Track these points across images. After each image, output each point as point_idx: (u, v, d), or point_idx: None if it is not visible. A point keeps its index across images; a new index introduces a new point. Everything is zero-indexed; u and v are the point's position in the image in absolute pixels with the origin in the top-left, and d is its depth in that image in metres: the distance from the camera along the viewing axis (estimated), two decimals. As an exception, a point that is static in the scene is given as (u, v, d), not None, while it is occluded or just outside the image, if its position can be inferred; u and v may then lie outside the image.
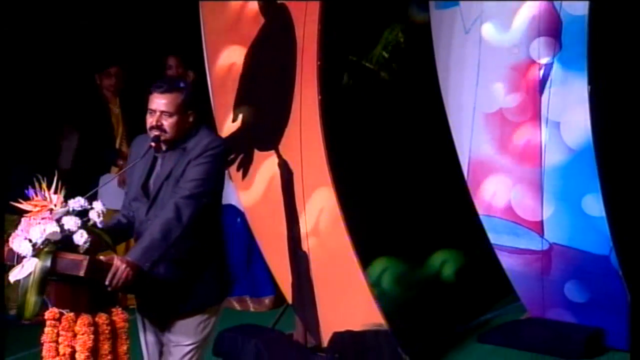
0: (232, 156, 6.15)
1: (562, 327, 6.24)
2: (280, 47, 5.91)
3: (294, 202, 5.98)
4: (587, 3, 5.87)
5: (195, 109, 4.02)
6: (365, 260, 5.99)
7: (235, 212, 6.69)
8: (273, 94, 5.99)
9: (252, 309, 7.15)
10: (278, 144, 6.00)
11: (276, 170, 6.03)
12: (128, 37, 7.61)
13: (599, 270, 6.05)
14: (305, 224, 5.95)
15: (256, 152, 6.14)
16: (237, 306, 7.15)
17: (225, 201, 6.42)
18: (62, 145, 7.05)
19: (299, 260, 6.00)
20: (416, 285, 7.30)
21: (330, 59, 5.89)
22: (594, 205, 6.00)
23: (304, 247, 5.96)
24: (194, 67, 6.52)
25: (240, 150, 6.18)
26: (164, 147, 3.97)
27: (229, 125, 6.17)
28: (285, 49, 5.87)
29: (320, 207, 5.88)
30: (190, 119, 3.99)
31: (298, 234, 5.98)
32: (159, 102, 3.95)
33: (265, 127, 6.10)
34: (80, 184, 4.05)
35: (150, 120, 3.97)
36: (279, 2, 5.92)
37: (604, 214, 5.95)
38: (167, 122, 3.94)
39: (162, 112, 3.94)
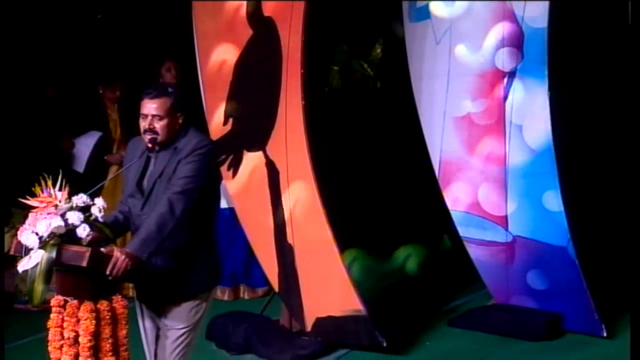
0: (223, 157, 6.15)
1: (524, 312, 6.25)
2: (267, 57, 5.88)
3: (280, 199, 5.96)
4: (546, 17, 5.86)
5: (184, 112, 4.01)
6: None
7: (226, 209, 6.66)
8: (261, 99, 5.96)
9: (246, 298, 7.10)
10: (265, 145, 5.97)
11: (264, 170, 6.01)
12: (130, 53, 7.61)
13: (558, 260, 6.06)
14: (290, 219, 5.93)
15: (245, 153, 6.11)
16: (232, 296, 7.11)
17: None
18: (76, 149, 7.06)
19: (284, 252, 5.99)
20: (386, 276, 7.32)
21: (313, 68, 5.87)
22: (553, 201, 6.00)
23: (289, 240, 5.95)
24: (187, 71, 6.47)
25: (230, 151, 6.15)
26: (156, 148, 3.96)
27: (220, 128, 6.14)
28: (271, 58, 5.84)
29: (304, 203, 5.86)
30: (180, 121, 3.98)
31: (284, 228, 5.96)
32: (150, 106, 3.94)
33: (253, 130, 6.06)
34: (92, 185, 4.04)
35: (143, 124, 3.96)
36: (265, 15, 5.89)
37: (562, 209, 5.96)
38: (158, 125, 3.93)
39: (153, 115, 3.93)
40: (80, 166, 6.94)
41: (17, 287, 6.58)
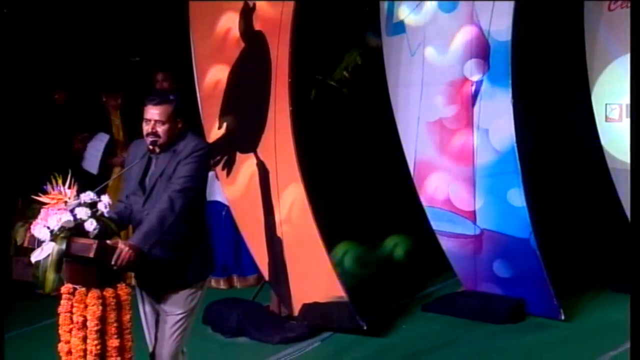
0: (217, 158, 6.15)
1: (490, 298, 6.26)
2: (258, 67, 5.88)
3: (269, 196, 5.96)
4: (510, 31, 5.86)
5: (183, 117, 4.01)
6: (330, 244, 6.00)
7: (220, 207, 6.66)
8: (252, 105, 5.96)
9: (238, 286, 7.07)
10: (256, 148, 5.97)
11: (255, 169, 6.01)
12: (131, 64, 7.60)
13: (521, 251, 6.06)
14: (279, 214, 5.94)
15: (238, 155, 6.11)
16: (226, 285, 7.10)
17: (212, 197, 6.49)
18: (87, 152, 7.07)
19: (274, 244, 5.99)
20: (372, 265, 7.33)
21: (299, 77, 5.87)
22: (517, 198, 6.00)
23: (279, 233, 5.95)
24: (185, 82, 6.47)
25: (224, 153, 6.16)
26: (157, 150, 3.97)
27: (215, 132, 6.14)
28: (262, 68, 5.84)
29: (292, 199, 5.86)
30: (179, 126, 3.98)
31: (273, 222, 5.96)
32: (153, 112, 3.94)
33: (245, 134, 6.06)
34: (98, 184, 4.05)
35: (146, 128, 3.95)
36: (256, 29, 5.90)
37: (524, 204, 5.96)
38: (160, 129, 3.93)
39: (155, 120, 3.93)
40: (93, 168, 6.94)
41: (34, 274, 6.56)
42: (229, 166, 6.16)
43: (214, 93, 6.13)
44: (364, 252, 7.36)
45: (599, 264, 6.96)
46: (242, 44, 5.99)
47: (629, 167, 6.69)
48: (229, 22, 6.02)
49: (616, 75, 6.64)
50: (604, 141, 6.75)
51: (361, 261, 7.26)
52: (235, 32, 6.02)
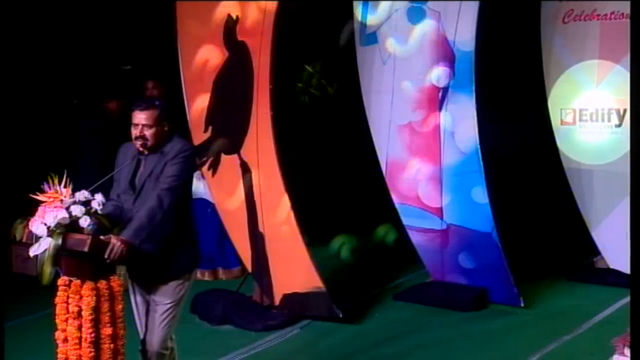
0: (204, 159, 6.14)
1: (456, 288, 6.27)
2: (241, 75, 5.85)
3: (252, 194, 5.93)
4: (473, 42, 5.88)
5: (170, 121, 3.99)
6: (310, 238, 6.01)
7: (206, 204, 6.64)
8: (236, 110, 5.93)
9: (223, 278, 7.01)
10: (240, 149, 5.95)
11: (238, 170, 5.98)
12: (124, 72, 7.57)
13: (484, 244, 6.08)
14: (261, 211, 5.92)
15: (223, 156, 6.08)
16: (212, 276, 7.06)
17: (198, 195, 6.47)
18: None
19: (256, 239, 5.97)
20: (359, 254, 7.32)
21: (279, 84, 5.85)
22: (480, 195, 6.02)
23: (260, 228, 5.94)
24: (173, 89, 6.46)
25: (210, 154, 6.13)
26: (146, 152, 3.94)
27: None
28: (244, 76, 5.82)
29: (273, 197, 5.84)
30: (166, 129, 3.95)
31: (256, 219, 5.94)
32: (140, 117, 3.91)
33: (229, 136, 6.04)
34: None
35: (135, 132, 3.93)
36: (239, 39, 5.87)
37: (487, 201, 5.98)
38: (148, 133, 3.90)
39: (143, 124, 3.90)
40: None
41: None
42: (214, 166, 6.13)
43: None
44: (358, 243, 7.35)
45: (555, 255, 7.03)
46: (226, 53, 5.96)
47: (581, 167, 6.82)
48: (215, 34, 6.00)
49: (570, 82, 6.73)
50: (559, 143, 6.83)
51: (354, 251, 7.27)
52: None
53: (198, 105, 6.07)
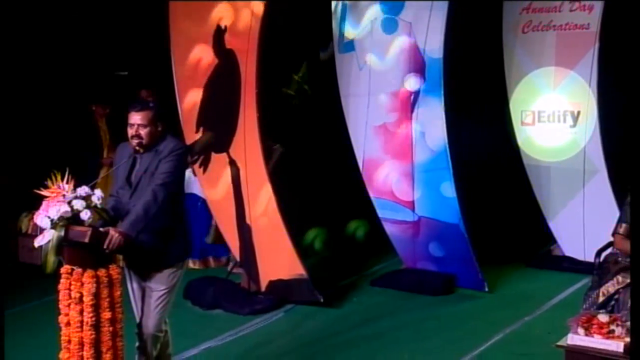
0: (195, 157, 6.13)
1: (427, 274, 6.29)
2: (230, 79, 5.84)
3: (240, 189, 5.93)
4: (442, 50, 5.91)
5: (163, 121, 3.98)
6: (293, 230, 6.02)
7: (196, 198, 6.63)
8: (225, 112, 5.92)
9: (213, 266, 6.99)
10: (229, 148, 5.94)
11: (227, 167, 5.98)
12: (117, 79, 7.53)
13: (452, 234, 6.11)
14: (248, 205, 5.92)
15: (213, 154, 6.08)
16: (202, 265, 7.05)
17: (189, 191, 6.46)
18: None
19: (244, 230, 5.97)
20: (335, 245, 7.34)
21: (265, 88, 5.85)
22: (448, 189, 6.05)
23: (248, 221, 5.94)
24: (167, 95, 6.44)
25: (201, 153, 6.11)
26: (141, 150, 3.93)
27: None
28: (233, 81, 5.81)
29: (259, 192, 5.85)
30: (159, 129, 3.94)
31: (243, 212, 5.93)
32: (136, 117, 3.89)
33: (219, 136, 6.02)
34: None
35: (131, 132, 3.91)
36: (228, 47, 5.85)
37: (455, 195, 6.01)
38: (143, 132, 3.89)
39: (138, 124, 3.88)
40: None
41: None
42: (205, 164, 6.13)
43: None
44: (331, 235, 7.33)
45: (515, 244, 7.07)
46: (216, 61, 5.95)
47: (540, 164, 6.88)
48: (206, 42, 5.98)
49: (529, 87, 6.79)
50: (519, 142, 6.88)
51: (328, 243, 7.25)
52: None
53: (189, 100, 6.02)
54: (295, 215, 5.96)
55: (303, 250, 6.82)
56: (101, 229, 3.68)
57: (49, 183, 3.70)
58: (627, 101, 7.11)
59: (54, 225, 3.60)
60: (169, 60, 6.05)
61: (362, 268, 6.85)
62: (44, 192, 3.70)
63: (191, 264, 6.71)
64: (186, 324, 5.33)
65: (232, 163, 5.96)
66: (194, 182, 6.50)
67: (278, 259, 5.90)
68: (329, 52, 6.77)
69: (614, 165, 6.41)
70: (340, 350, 5.06)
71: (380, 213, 6.55)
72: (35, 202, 3.71)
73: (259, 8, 5.63)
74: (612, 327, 3.85)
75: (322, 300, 5.76)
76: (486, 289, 6.08)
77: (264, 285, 5.97)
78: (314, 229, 7.36)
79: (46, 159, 6.24)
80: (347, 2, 6.40)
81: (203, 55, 5.93)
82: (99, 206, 3.76)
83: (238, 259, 6.14)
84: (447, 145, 5.98)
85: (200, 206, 6.59)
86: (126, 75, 7.64)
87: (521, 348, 4.97)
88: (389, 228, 6.54)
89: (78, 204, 3.65)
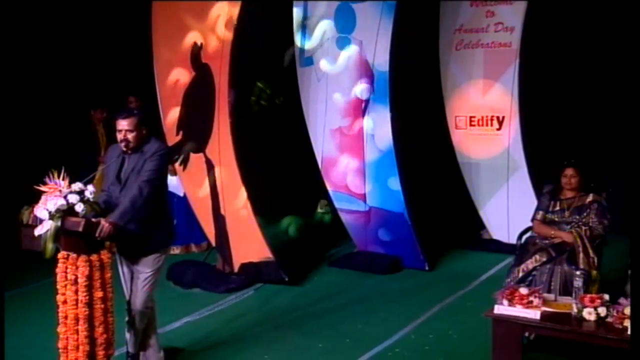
0: (175, 157, 6.09)
1: (376, 256, 6.32)
2: (205, 90, 5.80)
3: (215, 184, 5.90)
4: (388, 64, 5.93)
5: (147, 126, 3.97)
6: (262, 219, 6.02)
7: (172, 195, 6.49)
8: (201, 117, 5.87)
9: (195, 251, 6.93)
10: (205, 149, 5.90)
11: (204, 166, 5.94)
12: (112, 86, 7.43)
13: (398, 222, 6.15)
14: (222, 198, 5.89)
15: (192, 155, 6.03)
16: (184, 251, 6.98)
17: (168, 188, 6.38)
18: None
19: (219, 220, 5.94)
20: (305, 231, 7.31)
21: (237, 97, 5.84)
22: (395, 183, 6.08)
23: (222, 212, 5.91)
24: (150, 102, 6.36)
25: (181, 153, 6.09)
26: (129, 152, 3.92)
27: (174, 138, 6.05)
28: (208, 90, 5.77)
29: (232, 187, 5.82)
30: (144, 132, 3.93)
31: (218, 204, 5.91)
32: (123, 124, 3.89)
33: (197, 138, 5.97)
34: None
35: (119, 136, 3.91)
36: (204, 61, 5.81)
37: (400, 188, 6.05)
38: (130, 136, 3.88)
39: (126, 130, 3.88)
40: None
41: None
42: (185, 163, 6.08)
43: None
44: (303, 222, 7.28)
45: (451, 229, 7.15)
46: (193, 73, 5.90)
47: (471, 161, 6.98)
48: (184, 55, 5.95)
49: (462, 96, 6.88)
50: (454, 142, 6.98)
51: (300, 229, 7.22)
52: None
53: (171, 116, 5.99)
54: (268, 206, 5.94)
55: (279, 235, 6.82)
56: (93, 220, 3.66)
57: (47, 179, 3.66)
58: (544, 108, 7.32)
59: (51, 216, 3.58)
60: (152, 73, 5.98)
61: (322, 251, 6.85)
62: (42, 188, 3.66)
63: (175, 250, 6.65)
64: (169, 302, 5.30)
65: (209, 162, 5.91)
66: (170, 181, 6.43)
67: (249, 244, 5.88)
68: (291, 65, 6.74)
69: (533, 162, 6.53)
70: (303, 321, 5.08)
71: (337, 204, 6.56)
72: (34, 197, 3.67)
73: (228, 35, 5.58)
74: (531, 298, 3.97)
75: (286, 279, 5.76)
76: (427, 268, 6.14)
77: (236, 267, 5.95)
78: (288, 217, 7.32)
79: (50, 158, 6.15)
80: (305, 22, 6.37)
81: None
82: (91, 200, 3.73)
83: (214, 244, 6.10)
84: (394, 146, 6.02)
85: (176, 202, 6.55)
86: (121, 83, 7.52)
87: (457, 317, 5.05)
88: (344, 217, 6.55)
89: (73, 198, 3.62)
